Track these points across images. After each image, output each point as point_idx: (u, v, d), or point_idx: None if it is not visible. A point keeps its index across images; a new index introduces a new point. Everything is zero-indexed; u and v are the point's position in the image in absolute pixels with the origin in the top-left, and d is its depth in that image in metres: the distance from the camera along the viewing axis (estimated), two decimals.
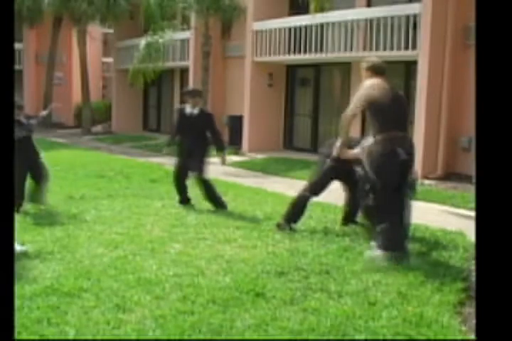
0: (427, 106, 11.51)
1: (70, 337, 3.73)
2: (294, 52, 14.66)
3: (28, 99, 24.88)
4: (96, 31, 25.15)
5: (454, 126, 11.66)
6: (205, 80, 16.30)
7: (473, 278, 4.85)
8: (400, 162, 5.44)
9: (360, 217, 6.68)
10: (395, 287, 4.72)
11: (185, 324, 3.91)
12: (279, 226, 6.65)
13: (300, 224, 6.72)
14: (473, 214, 7.24)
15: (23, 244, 5.61)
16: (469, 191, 9.67)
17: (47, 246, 5.76)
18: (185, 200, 8.18)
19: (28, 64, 25.79)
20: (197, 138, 7.99)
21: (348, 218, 6.83)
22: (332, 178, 6.62)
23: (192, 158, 7.94)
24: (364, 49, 12.93)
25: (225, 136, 10.58)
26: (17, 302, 4.07)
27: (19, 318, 3.89)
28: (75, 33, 23.05)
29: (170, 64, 18.78)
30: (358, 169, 6.24)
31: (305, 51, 14.32)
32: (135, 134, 21.50)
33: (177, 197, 8.22)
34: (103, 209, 7.74)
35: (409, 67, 12.97)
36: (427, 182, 10.85)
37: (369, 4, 14.02)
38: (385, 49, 12.38)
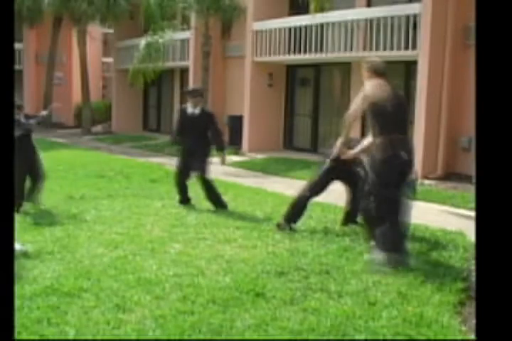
0: (427, 106, 11.51)
1: (70, 337, 3.73)
2: (294, 52, 14.66)
3: (28, 99, 24.89)
4: (96, 31, 25.16)
5: (454, 126, 11.66)
6: (205, 80, 16.30)
7: (473, 278, 4.85)
8: (400, 164, 5.44)
9: (360, 217, 6.68)
10: (395, 287, 4.72)
11: (185, 324, 3.91)
12: (279, 226, 6.65)
13: (300, 224, 6.72)
14: (473, 214, 7.24)
15: (23, 244, 5.61)
16: (469, 191, 9.67)
17: (47, 246, 5.76)
18: (185, 200, 8.18)
19: (28, 64, 25.79)
20: (198, 138, 7.99)
21: (349, 218, 6.83)
22: (332, 178, 6.62)
23: (194, 158, 7.94)
24: (364, 49, 12.93)
25: (225, 136, 10.55)
26: (17, 302, 4.07)
27: (19, 318, 3.89)
28: (75, 33, 23.06)
29: (170, 64, 18.78)
30: (359, 169, 6.26)
31: (305, 51, 14.32)
32: (135, 134, 21.50)
33: (177, 197, 8.22)
34: (103, 209, 7.74)
35: (409, 67, 12.97)
36: (427, 182, 10.85)
37: (369, 4, 14.02)
38: (385, 49, 12.38)
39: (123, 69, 21.14)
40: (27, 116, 7.89)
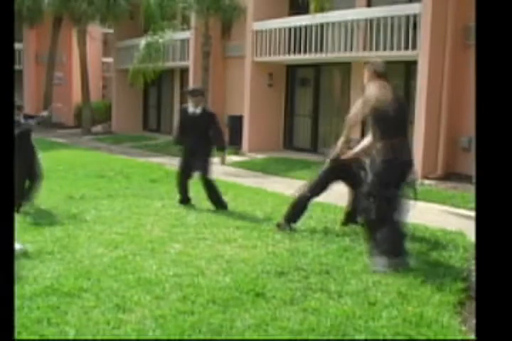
0: (427, 106, 11.51)
1: (70, 337, 3.73)
2: (294, 52, 14.66)
3: (28, 99, 24.89)
4: (96, 31, 25.15)
5: (454, 126, 11.66)
6: (205, 80, 16.30)
7: (473, 278, 4.84)
8: (400, 164, 5.45)
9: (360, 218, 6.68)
10: (395, 287, 4.71)
11: (185, 324, 3.91)
12: (279, 226, 6.65)
13: (300, 224, 6.72)
14: (473, 214, 7.24)
15: (23, 244, 5.60)
16: (469, 191, 9.67)
17: (47, 246, 5.76)
18: (185, 200, 8.18)
19: (28, 64, 25.80)
20: (199, 138, 7.98)
21: (349, 218, 6.83)
22: (332, 179, 6.62)
23: (196, 158, 7.93)
24: (364, 49, 12.93)
25: (225, 136, 10.53)
26: (17, 302, 4.07)
27: (19, 318, 3.89)
28: (75, 33, 23.05)
29: (170, 64, 18.78)
30: (360, 170, 6.27)
31: (305, 51, 14.32)
32: (135, 134, 21.50)
33: (177, 197, 8.22)
34: (103, 209, 7.74)
35: (409, 67, 12.96)
36: (427, 182, 10.85)
37: (369, 4, 14.02)
38: (385, 49, 12.38)
39: (123, 69, 21.14)
40: (26, 116, 7.89)
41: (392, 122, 5.45)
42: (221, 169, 9.36)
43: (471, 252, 5.72)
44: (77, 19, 21.60)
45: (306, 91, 16.43)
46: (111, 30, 24.75)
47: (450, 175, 11.53)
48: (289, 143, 16.79)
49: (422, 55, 11.54)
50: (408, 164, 5.57)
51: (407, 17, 11.98)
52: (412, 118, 11.13)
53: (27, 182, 7.79)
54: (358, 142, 6.06)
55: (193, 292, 4.51)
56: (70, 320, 3.95)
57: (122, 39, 22.37)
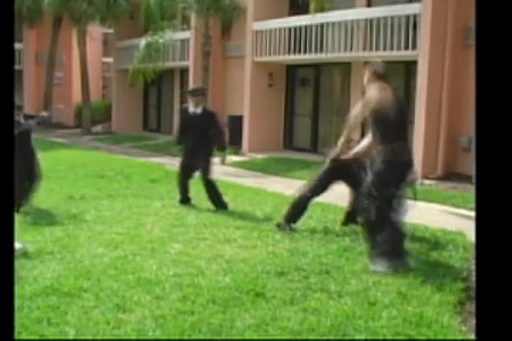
0: (427, 106, 11.51)
1: (70, 337, 3.73)
2: (294, 52, 14.66)
3: (28, 99, 24.89)
4: (96, 31, 25.16)
5: (454, 126, 11.66)
6: (205, 80, 16.30)
7: (473, 278, 4.84)
8: (400, 164, 5.45)
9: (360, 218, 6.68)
10: (395, 287, 4.71)
11: (185, 324, 3.91)
12: (279, 226, 6.65)
13: (300, 224, 6.72)
14: (473, 214, 7.24)
15: (23, 244, 5.60)
16: (469, 191, 9.67)
17: (47, 246, 5.76)
18: (185, 200, 8.18)
19: (28, 64, 25.80)
20: (200, 138, 7.97)
21: (350, 218, 6.82)
22: (333, 179, 6.62)
23: (197, 158, 7.93)
24: (364, 49, 12.94)
25: (226, 136, 10.52)
26: (17, 302, 4.07)
27: (19, 318, 3.89)
28: (75, 33, 23.06)
29: (170, 64, 18.79)
30: (360, 170, 6.26)
31: (305, 51, 14.32)
32: (135, 134, 21.50)
33: (177, 197, 8.22)
34: (103, 209, 7.74)
35: (409, 67, 12.96)
36: (427, 182, 10.85)
37: (369, 4, 14.02)
38: (385, 49, 12.38)
39: (123, 69, 21.14)
40: (26, 116, 7.88)
41: (392, 125, 5.44)
42: (221, 169, 9.36)
43: (471, 252, 5.72)
44: (77, 19, 21.61)
45: (306, 92, 16.43)
46: (111, 30, 24.76)
47: (450, 175, 11.53)
48: (289, 143, 16.79)
49: (422, 55, 11.54)
50: (408, 164, 5.57)
51: (407, 17, 11.98)
52: (412, 119, 11.13)
53: (26, 183, 7.79)
54: (358, 143, 6.06)
55: (193, 292, 4.50)
56: (70, 320, 3.95)
57: (122, 39, 22.38)
